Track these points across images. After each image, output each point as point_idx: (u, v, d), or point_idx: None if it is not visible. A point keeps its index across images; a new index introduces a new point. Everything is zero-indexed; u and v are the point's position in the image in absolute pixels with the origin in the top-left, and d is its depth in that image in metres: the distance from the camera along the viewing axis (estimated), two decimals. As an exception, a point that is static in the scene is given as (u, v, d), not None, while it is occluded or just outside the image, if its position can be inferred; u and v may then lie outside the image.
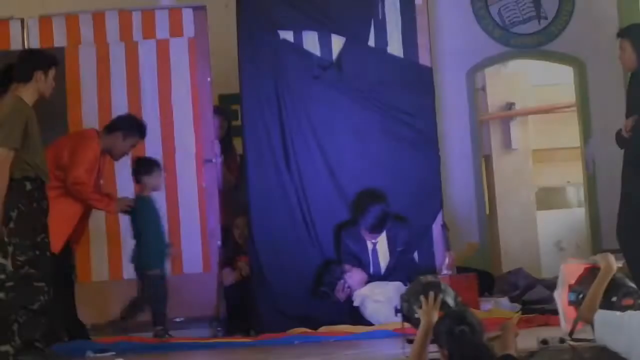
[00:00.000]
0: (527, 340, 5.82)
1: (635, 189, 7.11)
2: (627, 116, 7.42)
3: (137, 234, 7.97)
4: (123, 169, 8.34)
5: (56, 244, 7.37)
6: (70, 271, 7.71)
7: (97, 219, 8.04)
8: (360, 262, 8.20)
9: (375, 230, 8.13)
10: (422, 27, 8.60)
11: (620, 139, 7.39)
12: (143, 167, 8.03)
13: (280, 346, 7.18)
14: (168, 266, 8.07)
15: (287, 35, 8.46)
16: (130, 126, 7.83)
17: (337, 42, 8.51)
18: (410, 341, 5.12)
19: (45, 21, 8.50)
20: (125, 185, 8.34)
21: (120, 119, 7.92)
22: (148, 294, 7.85)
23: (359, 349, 6.69)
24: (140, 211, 7.97)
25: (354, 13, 8.53)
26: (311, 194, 8.37)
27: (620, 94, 7.83)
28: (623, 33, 7.44)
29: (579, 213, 11.51)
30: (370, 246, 8.23)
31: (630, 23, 8.31)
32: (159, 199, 8.35)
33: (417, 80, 8.56)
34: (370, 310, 7.81)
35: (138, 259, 7.94)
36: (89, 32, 8.51)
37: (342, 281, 8.07)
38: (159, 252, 7.98)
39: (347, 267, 8.12)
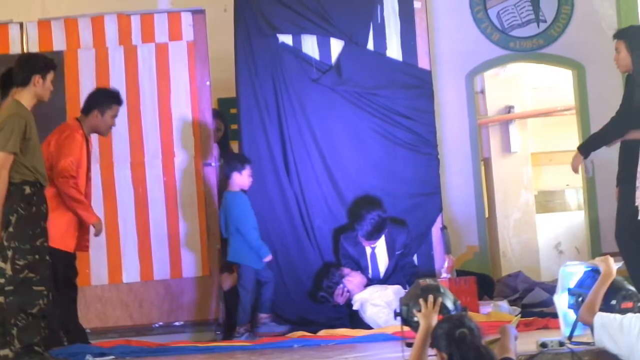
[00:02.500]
0: (526, 343, 5.83)
1: (627, 193, 7.11)
2: None
3: (234, 230, 8.00)
4: (122, 167, 8.37)
5: (69, 243, 7.35)
6: (74, 275, 7.66)
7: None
8: (359, 266, 8.20)
9: (372, 237, 8.14)
10: (421, 30, 8.62)
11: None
12: (233, 164, 8.08)
13: (279, 350, 7.17)
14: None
15: (286, 39, 8.47)
16: (103, 100, 7.65)
17: (336, 46, 8.53)
18: (410, 345, 5.11)
19: (44, 25, 8.50)
20: (124, 183, 8.37)
21: (90, 97, 7.72)
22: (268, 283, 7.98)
23: (358, 353, 6.68)
24: (236, 206, 8.01)
25: (352, 17, 8.54)
26: (310, 198, 8.38)
27: (619, 96, 7.81)
28: (618, 34, 7.46)
29: (578, 216, 11.52)
30: (369, 250, 8.23)
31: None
32: (159, 202, 8.36)
33: (416, 84, 8.58)
34: (370, 313, 7.81)
35: (245, 255, 7.98)
36: (88, 35, 8.51)
37: (341, 286, 8.06)
38: (261, 242, 8.02)
39: (345, 270, 8.13)
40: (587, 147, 7.47)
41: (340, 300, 8.07)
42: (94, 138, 8.26)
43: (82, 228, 7.54)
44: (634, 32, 7.50)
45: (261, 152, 8.36)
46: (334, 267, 8.20)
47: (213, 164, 8.55)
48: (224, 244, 8.58)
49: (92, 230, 7.51)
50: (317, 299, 8.18)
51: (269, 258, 7.99)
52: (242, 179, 8.06)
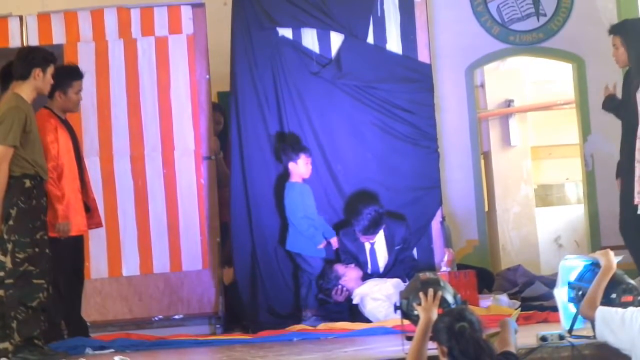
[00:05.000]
0: (526, 336, 5.83)
1: (630, 184, 7.11)
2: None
3: (290, 220, 8.09)
4: (122, 159, 8.37)
5: (80, 226, 7.30)
6: (81, 266, 7.62)
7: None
8: (358, 261, 8.18)
9: (369, 232, 8.11)
10: (420, 24, 8.61)
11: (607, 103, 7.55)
12: (288, 154, 8.12)
13: (279, 343, 7.17)
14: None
15: (286, 33, 8.46)
16: (61, 80, 7.34)
17: (336, 39, 8.52)
18: (410, 338, 5.11)
19: (44, 18, 8.49)
20: (124, 176, 8.37)
21: None
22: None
23: (358, 346, 6.68)
24: (288, 197, 8.10)
25: (352, 10, 8.53)
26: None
27: (619, 90, 7.83)
28: (614, 29, 7.43)
29: (578, 210, 11.52)
30: (368, 246, 8.22)
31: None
32: (158, 195, 8.35)
33: (416, 77, 8.57)
34: (370, 307, 7.81)
35: (304, 245, 8.07)
36: (88, 29, 8.51)
37: (338, 286, 8.02)
38: (313, 231, 8.08)
39: (340, 270, 8.04)
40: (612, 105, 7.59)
41: (340, 298, 8.04)
42: (94, 131, 8.28)
43: (87, 209, 7.49)
44: (629, 27, 7.48)
45: (261, 146, 8.35)
46: (327, 267, 8.15)
47: (212, 158, 8.55)
48: (224, 237, 8.59)
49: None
50: (316, 299, 8.17)
51: (323, 244, 8.07)
52: (298, 169, 8.10)
